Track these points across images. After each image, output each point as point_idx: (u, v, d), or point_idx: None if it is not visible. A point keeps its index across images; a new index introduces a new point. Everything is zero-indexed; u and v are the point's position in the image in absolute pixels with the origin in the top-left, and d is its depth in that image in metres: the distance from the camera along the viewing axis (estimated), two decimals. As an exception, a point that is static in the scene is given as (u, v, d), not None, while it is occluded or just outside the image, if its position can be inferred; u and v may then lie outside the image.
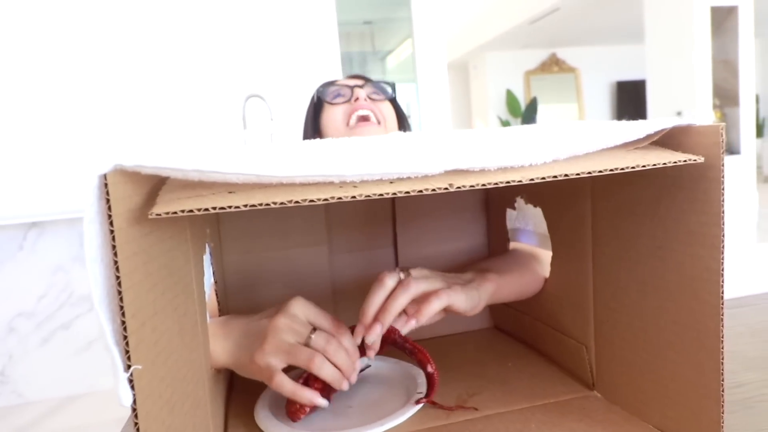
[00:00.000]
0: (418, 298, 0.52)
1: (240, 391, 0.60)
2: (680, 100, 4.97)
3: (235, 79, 2.54)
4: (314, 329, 0.50)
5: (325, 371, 0.48)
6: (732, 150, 5.21)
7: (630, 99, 7.69)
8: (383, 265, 0.70)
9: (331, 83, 0.93)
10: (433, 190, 0.32)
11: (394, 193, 0.31)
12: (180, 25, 2.48)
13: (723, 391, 0.40)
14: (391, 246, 0.70)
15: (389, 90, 0.94)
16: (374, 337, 0.51)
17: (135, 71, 2.43)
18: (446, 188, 0.32)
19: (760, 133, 7.62)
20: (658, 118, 0.41)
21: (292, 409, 0.50)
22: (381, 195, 0.31)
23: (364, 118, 0.87)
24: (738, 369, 0.57)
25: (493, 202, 0.72)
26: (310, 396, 0.49)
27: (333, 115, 0.90)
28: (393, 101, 0.94)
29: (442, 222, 0.71)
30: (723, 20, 4.91)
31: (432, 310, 0.51)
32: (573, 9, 5.69)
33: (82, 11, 2.43)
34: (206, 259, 0.51)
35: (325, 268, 0.68)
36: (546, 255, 0.61)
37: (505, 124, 7.36)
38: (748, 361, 0.59)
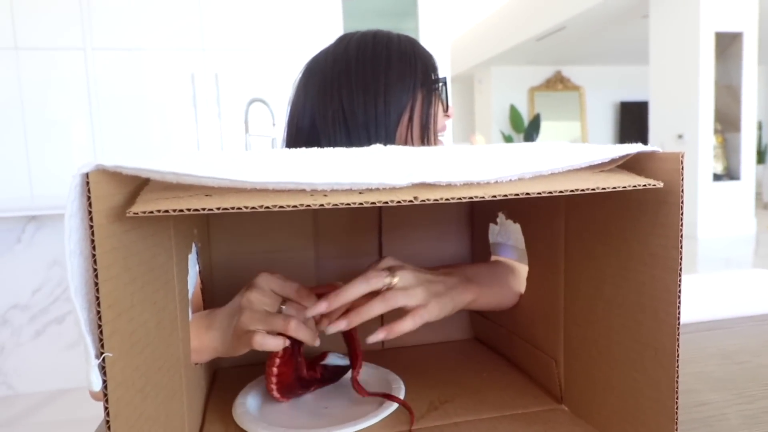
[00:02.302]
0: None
1: (221, 387, 0.62)
2: (682, 123, 4.97)
3: (238, 83, 2.58)
4: (284, 300, 0.53)
5: (301, 333, 0.51)
6: (732, 176, 5.18)
7: (633, 119, 7.67)
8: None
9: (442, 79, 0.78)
10: (398, 202, 0.34)
11: (361, 203, 0.33)
12: (185, 29, 2.53)
13: (677, 409, 0.41)
14: (377, 254, 0.72)
15: None
16: (334, 330, 0.52)
17: (140, 73, 2.49)
18: (411, 201, 0.34)
19: (761, 159, 7.51)
20: (644, 136, 0.43)
21: (272, 378, 0.54)
22: (349, 204, 0.33)
23: (441, 143, 0.81)
24: (704, 389, 0.58)
25: (478, 216, 0.73)
26: (284, 341, 0.50)
27: (438, 113, 0.78)
28: None
29: (427, 232, 0.73)
30: (727, 46, 4.88)
31: (404, 329, 0.53)
32: (579, 28, 5.71)
33: (92, 11, 2.46)
34: (192, 258, 0.53)
35: (311, 273, 0.70)
36: (523, 270, 0.62)
37: (508, 139, 7.36)
38: (714, 381, 0.60)
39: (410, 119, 0.75)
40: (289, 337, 0.51)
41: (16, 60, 2.41)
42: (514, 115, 7.30)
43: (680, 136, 4.92)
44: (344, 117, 0.73)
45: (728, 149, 5.13)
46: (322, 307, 0.51)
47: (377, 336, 0.52)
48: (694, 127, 4.81)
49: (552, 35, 5.92)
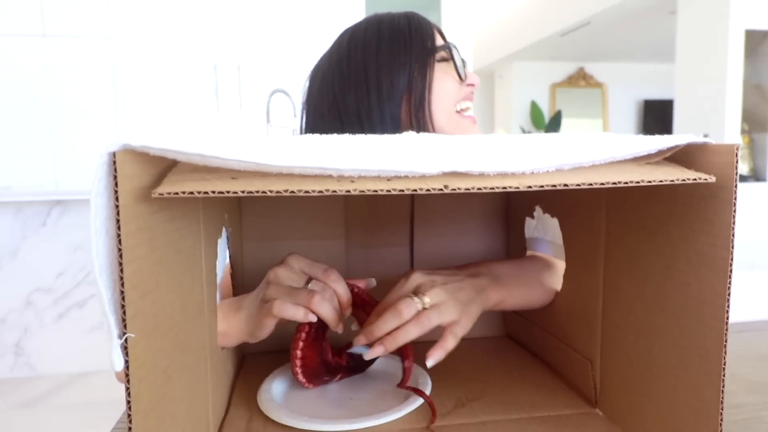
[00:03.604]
0: None
1: (248, 373, 0.62)
2: (708, 122, 4.85)
3: (260, 74, 2.58)
4: (310, 279, 0.53)
5: (324, 309, 0.50)
6: (758, 177, 5.05)
7: (657, 118, 7.50)
8: (398, 263, 0.71)
9: (446, 47, 0.70)
10: (428, 190, 0.32)
11: (389, 191, 0.32)
12: (209, 20, 2.53)
13: (722, 419, 0.38)
14: (408, 245, 0.71)
15: None
16: (372, 356, 0.52)
17: (163, 62, 2.50)
18: (441, 189, 0.32)
19: (790, 161, 7.28)
20: (675, 134, 0.40)
21: (296, 360, 0.54)
22: (376, 191, 0.32)
23: (471, 117, 0.74)
24: (739, 391, 0.56)
25: (514, 210, 0.71)
26: (305, 312, 0.49)
27: (445, 86, 0.70)
28: None
29: (460, 225, 0.71)
30: (758, 44, 4.74)
31: (448, 347, 0.52)
32: (604, 24, 5.60)
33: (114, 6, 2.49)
34: (222, 242, 0.53)
35: (341, 261, 0.69)
36: (560, 267, 0.60)
37: (528, 136, 7.28)
38: (750, 384, 0.58)
39: (410, 101, 0.69)
40: (312, 322, 0.50)
41: (44, 47, 2.44)
42: (535, 111, 7.21)
43: (706, 136, 4.81)
44: (338, 109, 0.70)
45: (755, 150, 5.00)
46: (360, 339, 0.52)
47: (429, 362, 0.52)
48: (721, 127, 4.69)
49: (576, 31, 5.82)
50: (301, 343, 0.53)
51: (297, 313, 0.49)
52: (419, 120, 0.69)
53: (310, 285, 0.52)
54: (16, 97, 2.39)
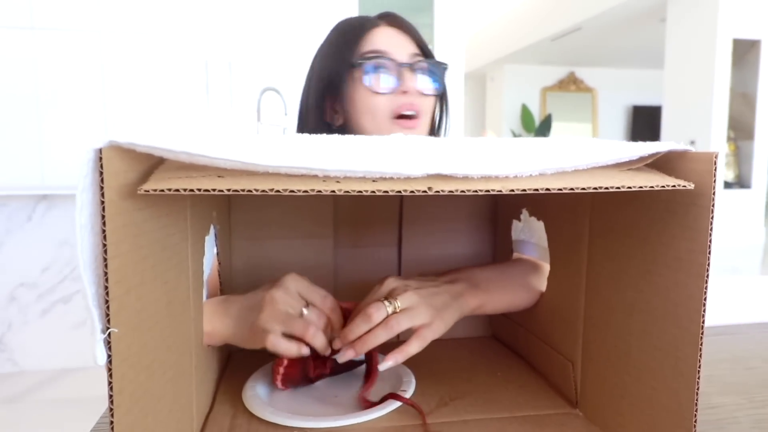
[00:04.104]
0: None
1: (234, 370, 0.62)
2: (695, 129, 4.92)
3: (252, 72, 2.57)
4: (307, 304, 0.53)
5: (318, 341, 0.52)
6: (743, 184, 5.14)
7: (645, 123, 7.61)
8: (386, 262, 0.71)
9: (374, 53, 0.72)
10: (412, 191, 0.33)
11: (374, 191, 0.32)
12: (201, 16, 2.52)
13: (696, 421, 0.39)
14: (396, 245, 0.71)
15: (440, 82, 0.76)
16: (344, 359, 0.52)
17: (154, 58, 2.49)
18: (425, 191, 0.33)
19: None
20: (657, 141, 0.41)
21: (277, 376, 0.54)
22: (361, 192, 0.32)
23: (407, 117, 0.74)
24: (713, 392, 0.57)
25: (502, 212, 0.72)
26: (297, 348, 0.51)
27: (374, 103, 0.72)
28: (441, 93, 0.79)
29: (448, 225, 0.72)
30: (745, 53, 4.82)
31: (411, 351, 0.52)
32: (595, 29, 5.66)
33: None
34: (210, 240, 0.53)
35: (329, 260, 0.69)
36: (545, 269, 0.61)
37: (518, 138, 7.34)
38: (725, 385, 0.59)
39: (333, 108, 0.77)
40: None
41: (32, 40, 2.41)
42: (526, 114, 7.27)
43: (692, 142, 4.89)
44: (300, 112, 0.80)
45: (740, 157, 5.08)
46: (336, 344, 0.53)
47: (386, 364, 0.52)
48: (707, 134, 4.76)
49: (567, 36, 5.88)
50: (285, 362, 0.53)
51: (290, 349, 0.50)
52: (344, 127, 0.76)
53: (306, 311, 0.52)
54: (2, 90, 2.36)
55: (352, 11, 2.71)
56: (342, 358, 0.52)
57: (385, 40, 0.74)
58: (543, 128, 7.14)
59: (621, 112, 7.77)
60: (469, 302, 0.58)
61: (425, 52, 0.77)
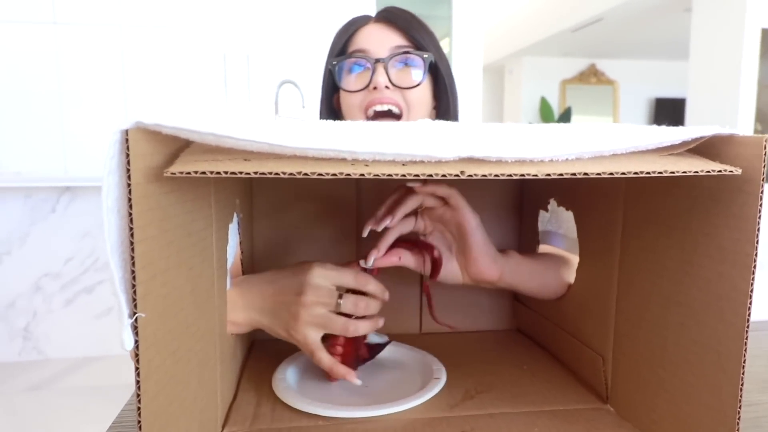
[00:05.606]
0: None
1: (257, 358, 0.62)
2: (720, 121, 4.79)
3: (270, 65, 2.57)
4: (340, 294, 0.51)
5: (362, 329, 0.52)
6: None
7: (668, 117, 7.44)
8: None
9: (355, 52, 0.74)
10: (444, 175, 0.31)
11: (404, 175, 0.31)
12: (219, 9, 2.52)
13: (739, 418, 0.38)
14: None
15: (421, 73, 0.74)
16: (384, 225, 0.53)
17: (173, 51, 2.50)
18: (457, 175, 0.31)
19: (801, 162, 7.26)
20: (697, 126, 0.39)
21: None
22: (391, 176, 0.31)
23: (385, 114, 0.74)
24: (751, 389, 0.56)
25: (527, 202, 0.70)
26: (344, 372, 0.52)
27: (349, 102, 0.75)
28: (435, 73, 0.77)
29: None
30: None
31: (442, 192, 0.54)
32: (617, 20, 5.53)
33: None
34: (233, 227, 0.52)
35: (351, 248, 0.68)
36: (574, 260, 0.59)
37: (536, 132, 7.26)
38: (763, 382, 0.57)
39: (329, 101, 0.82)
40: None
41: (54, 35, 2.44)
42: (545, 107, 7.17)
43: (718, 135, 4.78)
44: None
45: (768, 152, 4.97)
46: (370, 223, 0.54)
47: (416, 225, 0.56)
48: (733, 127, 4.65)
49: (588, 27, 5.76)
50: (339, 348, 0.53)
51: (332, 368, 0.52)
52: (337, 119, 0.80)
53: (342, 300, 0.51)
54: (26, 84, 2.40)
55: (370, 3, 2.69)
56: (381, 225, 0.53)
57: (366, 38, 0.76)
58: (562, 121, 7.04)
59: (643, 105, 7.62)
60: (506, 255, 0.58)
61: (418, 44, 0.76)
